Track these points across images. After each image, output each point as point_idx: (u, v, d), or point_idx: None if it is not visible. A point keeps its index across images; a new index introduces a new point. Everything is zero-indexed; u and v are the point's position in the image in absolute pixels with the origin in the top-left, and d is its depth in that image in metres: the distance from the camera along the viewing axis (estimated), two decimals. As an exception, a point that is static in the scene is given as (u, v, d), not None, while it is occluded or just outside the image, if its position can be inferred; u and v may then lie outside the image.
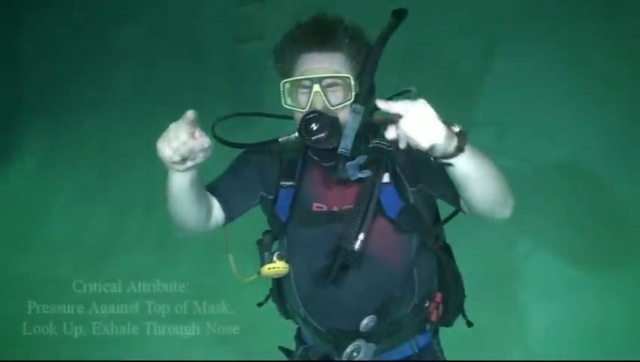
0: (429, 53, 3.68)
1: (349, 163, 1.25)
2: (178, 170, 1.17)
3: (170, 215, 1.32)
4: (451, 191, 1.23)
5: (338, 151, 1.24)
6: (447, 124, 1.08)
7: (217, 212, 1.40)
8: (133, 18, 4.56)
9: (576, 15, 3.47)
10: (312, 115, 1.27)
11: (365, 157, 1.27)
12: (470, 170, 1.12)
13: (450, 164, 1.10)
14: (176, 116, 1.15)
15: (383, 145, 1.28)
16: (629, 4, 3.39)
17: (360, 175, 1.26)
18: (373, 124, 1.35)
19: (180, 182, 1.21)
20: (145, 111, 4.39)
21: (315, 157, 1.41)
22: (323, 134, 1.26)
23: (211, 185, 1.41)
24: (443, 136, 1.05)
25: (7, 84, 4.90)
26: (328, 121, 1.27)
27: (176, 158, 1.12)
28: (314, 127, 1.26)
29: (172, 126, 1.13)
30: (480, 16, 3.69)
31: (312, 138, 1.27)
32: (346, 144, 1.24)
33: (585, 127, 3.40)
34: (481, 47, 3.72)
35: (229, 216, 1.42)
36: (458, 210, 1.32)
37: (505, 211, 1.21)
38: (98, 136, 4.59)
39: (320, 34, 1.29)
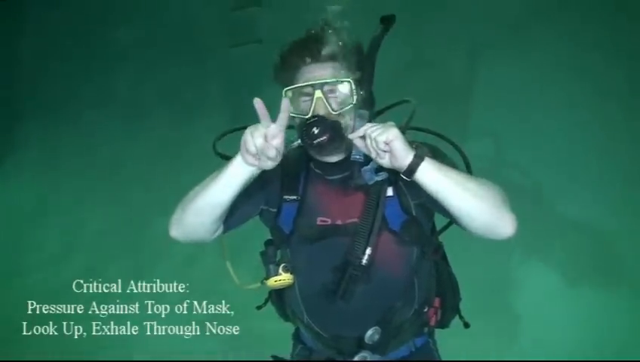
0: (422, 63, 3.67)
1: (364, 168, 1.27)
2: (247, 164, 1.20)
3: (191, 211, 1.30)
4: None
5: (351, 158, 1.28)
6: (411, 143, 1.23)
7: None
8: (131, 20, 4.56)
9: (572, 21, 3.48)
10: (313, 119, 1.28)
11: None
12: (435, 183, 1.20)
13: (411, 173, 1.19)
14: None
15: None
16: (625, 9, 3.40)
17: (377, 178, 1.29)
18: None
19: (241, 179, 1.23)
20: (143, 113, 4.39)
21: (318, 171, 1.42)
22: (325, 137, 1.26)
23: None
24: (403, 152, 1.18)
25: (5, 85, 4.90)
26: (329, 125, 1.27)
27: (252, 150, 1.16)
28: (315, 130, 1.26)
29: (252, 129, 1.18)
30: (474, 24, 3.68)
31: (314, 142, 1.27)
32: (358, 150, 1.28)
33: (583, 133, 3.41)
34: (475, 55, 3.72)
35: (227, 227, 1.42)
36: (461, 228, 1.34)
37: (503, 229, 1.22)
38: (97, 137, 4.58)
39: (318, 45, 1.32)
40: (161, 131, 4.15)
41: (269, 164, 1.19)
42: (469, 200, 1.20)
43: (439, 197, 1.21)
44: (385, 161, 1.22)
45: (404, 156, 1.19)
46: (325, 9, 1.27)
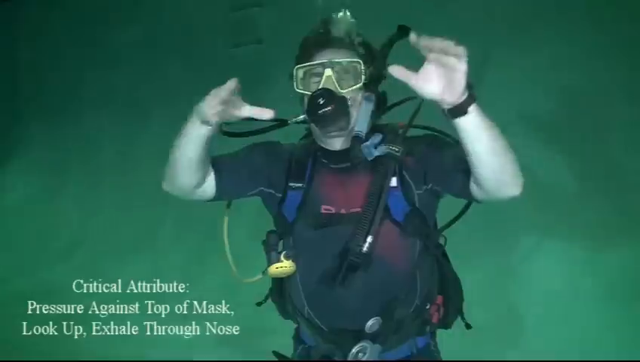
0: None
1: (363, 144, 1.29)
2: (206, 123, 1.24)
3: (169, 163, 1.34)
4: (460, 179, 1.25)
5: (353, 134, 1.30)
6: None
7: (209, 184, 1.40)
8: (131, 20, 4.56)
9: (573, 22, 3.48)
10: (319, 91, 1.30)
11: (380, 135, 1.32)
12: (477, 129, 1.11)
13: (459, 112, 1.08)
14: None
15: (391, 150, 1.31)
16: (626, 9, 3.40)
17: (376, 153, 1.30)
18: (381, 130, 1.38)
19: (197, 135, 1.26)
20: (143, 113, 4.40)
21: (324, 160, 1.43)
22: (329, 108, 1.28)
23: (216, 158, 1.41)
24: (462, 87, 1.05)
25: (4, 86, 4.90)
26: (335, 97, 1.29)
27: (212, 112, 1.21)
28: (321, 101, 1.28)
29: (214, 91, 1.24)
30: (477, 22, 3.69)
31: (319, 111, 1.28)
32: (360, 126, 1.31)
33: (585, 131, 3.41)
34: (476, 56, 3.73)
35: (218, 194, 1.43)
36: (469, 199, 1.34)
37: (514, 188, 1.20)
38: (96, 137, 4.59)
39: (331, 33, 1.37)
40: (161, 131, 4.14)
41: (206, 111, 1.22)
42: (497, 154, 1.14)
43: (471, 146, 1.13)
44: (432, 86, 1.08)
45: (461, 91, 1.06)
46: (325, 9, 1.29)
